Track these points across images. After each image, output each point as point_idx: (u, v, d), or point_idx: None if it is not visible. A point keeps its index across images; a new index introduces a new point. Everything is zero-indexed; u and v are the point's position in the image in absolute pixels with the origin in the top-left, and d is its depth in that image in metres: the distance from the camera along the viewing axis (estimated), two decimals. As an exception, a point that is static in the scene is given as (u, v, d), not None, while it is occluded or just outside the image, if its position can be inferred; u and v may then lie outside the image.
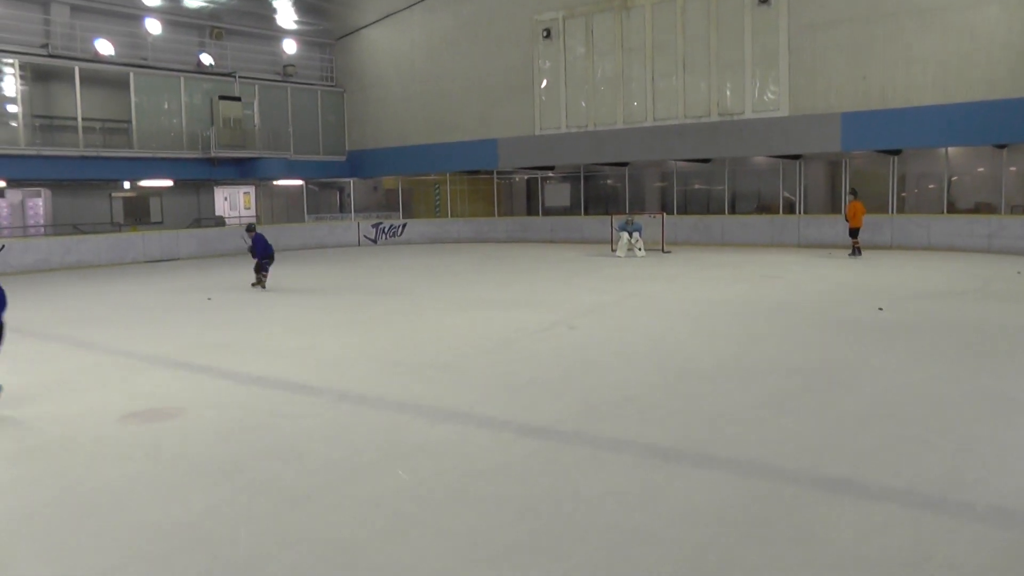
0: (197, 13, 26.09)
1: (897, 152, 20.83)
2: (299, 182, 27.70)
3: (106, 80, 23.60)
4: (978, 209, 20.70)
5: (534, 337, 9.52)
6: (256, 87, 26.87)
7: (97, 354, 9.21)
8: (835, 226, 20.84)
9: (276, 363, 8.39)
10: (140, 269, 20.75)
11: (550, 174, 28.23)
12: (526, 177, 29.54)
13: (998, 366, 7.69)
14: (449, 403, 6.68)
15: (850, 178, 21.95)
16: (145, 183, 25.01)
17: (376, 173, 29.81)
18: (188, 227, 25.44)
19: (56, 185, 23.64)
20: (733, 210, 24.24)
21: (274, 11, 27.57)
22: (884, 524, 4.09)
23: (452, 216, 28.98)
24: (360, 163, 29.67)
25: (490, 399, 6.82)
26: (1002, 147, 19.59)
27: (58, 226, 23.62)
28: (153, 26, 25.31)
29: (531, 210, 29.47)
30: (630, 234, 20.31)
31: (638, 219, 21.17)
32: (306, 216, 27.65)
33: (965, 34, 18.60)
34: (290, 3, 27.46)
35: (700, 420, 6.05)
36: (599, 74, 24.03)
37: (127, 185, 25.22)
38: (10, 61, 21.56)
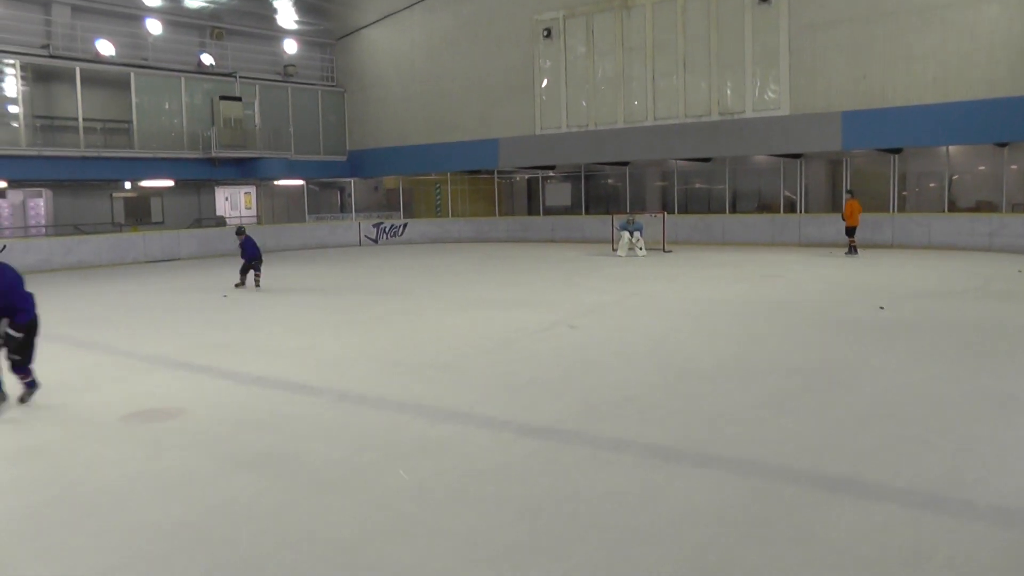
0: (197, 13, 26.10)
1: (898, 151, 20.82)
2: (300, 182, 27.69)
3: (107, 80, 23.62)
4: (979, 207, 20.69)
5: (534, 337, 9.52)
6: (257, 87, 26.88)
7: (97, 354, 9.21)
8: (836, 225, 20.80)
9: (276, 363, 8.39)
10: (141, 269, 20.76)
11: (551, 174, 28.23)
12: (527, 177, 29.55)
13: (998, 366, 7.68)
14: (449, 403, 6.68)
15: (851, 177, 21.94)
16: (146, 183, 25.01)
17: (377, 173, 29.80)
18: (189, 227, 25.43)
19: (57, 185, 23.65)
20: (734, 209, 24.24)
21: (274, 11, 27.58)
22: (884, 524, 4.09)
23: (453, 216, 28.97)
24: (361, 163, 29.66)
25: (490, 399, 6.82)
26: (1003, 145, 19.59)
27: (59, 226, 23.63)
28: (154, 26, 25.31)
29: (532, 210, 29.48)
30: (631, 233, 20.30)
31: (639, 218, 21.16)
32: (307, 216, 27.62)
33: (965, 33, 18.60)
34: (290, 3, 27.46)
35: (700, 420, 6.05)
36: (599, 74, 24.02)
37: (128, 185, 25.24)
38: (11, 62, 21.58)
